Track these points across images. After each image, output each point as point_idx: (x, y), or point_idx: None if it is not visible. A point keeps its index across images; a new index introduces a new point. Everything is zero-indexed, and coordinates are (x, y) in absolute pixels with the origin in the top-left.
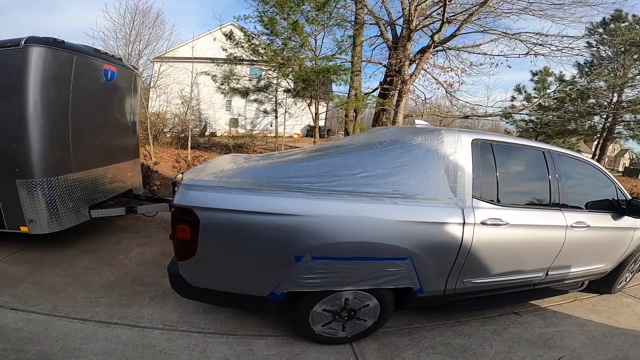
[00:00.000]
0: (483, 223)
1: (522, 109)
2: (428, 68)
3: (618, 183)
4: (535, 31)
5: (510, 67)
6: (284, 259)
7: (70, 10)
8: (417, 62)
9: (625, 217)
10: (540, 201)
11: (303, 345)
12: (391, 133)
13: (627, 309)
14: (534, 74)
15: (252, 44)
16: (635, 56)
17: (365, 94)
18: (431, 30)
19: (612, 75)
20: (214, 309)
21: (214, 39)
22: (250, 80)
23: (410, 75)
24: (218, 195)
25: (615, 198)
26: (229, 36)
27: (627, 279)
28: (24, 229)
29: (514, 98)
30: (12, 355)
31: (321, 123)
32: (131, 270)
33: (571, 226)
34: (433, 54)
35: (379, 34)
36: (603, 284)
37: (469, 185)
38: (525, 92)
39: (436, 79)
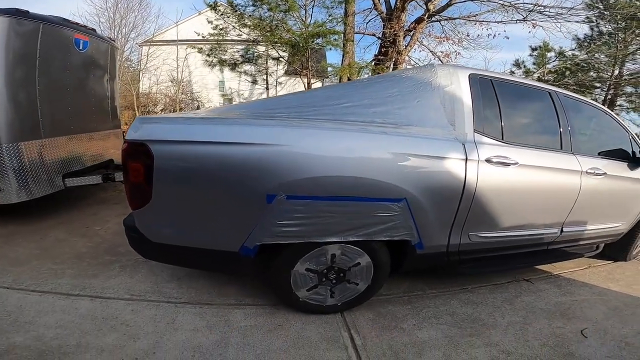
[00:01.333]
0: (488, 160)
1: None
2: (424, 39)
3: (632, 132)
4: (533, 2)
5: (508, 38)
6: (255, 200)
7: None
8: (412, 32)
9: None
10: (550, 143)
11: (287, 315)
12: (383, 74)
13: None
14: (533, 49)
15: (237, 11)
16: (638, 31)
17: (360, 67)
18: (425, 0)
19: (613, 49)
20: (191, 276)
21: (203, 16)
22: (239, 50)
23: (406, 46)
24: (175, 127)
25: (631, 147)
26: (214, 7)
27: None
28: None
29: (513, 72)
30: None
31: None
32: (105, 241)
33: (587, 172)
34: (428, 24)
35: (372, 7)
36: (617, 248)
37: (469, 118)
38: (525, 66)
39: (432, 51)
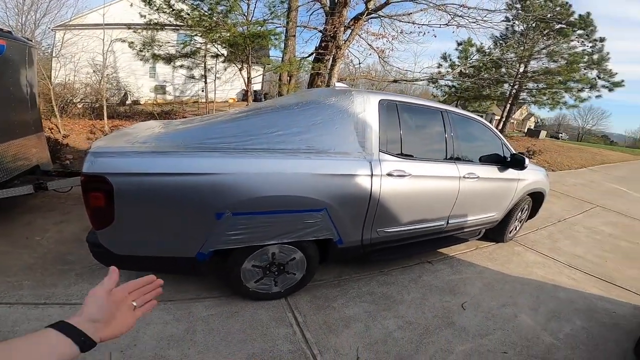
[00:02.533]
0: (389, 174)
1: (444, 75)
2: (362, 34)
3: (504, 139)
4: (459, 3)
5: (435, 37)
6: (206, 218)
7: None
8: (351, 28)
9: (510, 170)
10: (438, 155)
11: (241, 304)
12: (310, 95)
13: (517, 257)
14: (459, 44)
15: (175, 9)
16: (545, 32)
17: (301, 58)
18: None
19: (521, 48)
20: None
21: (131, 5)
22: (175, 46)
23: (345, 41)
24: (130, 160)
25: (502, 153)
26: (148, 2)
27: (517, 228)
28: None
29: (440, 65)
30: None
31: (258, 87)
32: (50, 250)
33: (464, 177)
34: (366, 21)
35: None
36: (497, 232)
37: (376, 140)
38: (450, 60)
39: (370, 45)
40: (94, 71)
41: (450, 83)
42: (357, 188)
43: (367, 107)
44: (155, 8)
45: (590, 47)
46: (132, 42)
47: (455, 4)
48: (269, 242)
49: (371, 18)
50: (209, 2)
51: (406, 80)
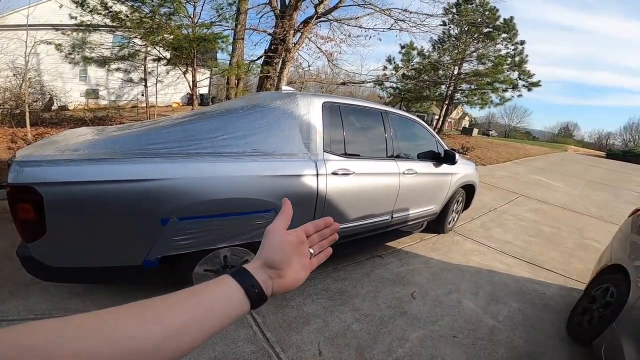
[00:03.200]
0: (334, 173)
1: (388, 77)
2: (312, 38)
3: (438, 137)
4: (402, 7)
5: (380, 40)
6: (150, 224)
7: None
8: (301, 31)
9: (444, 165)
10: (379, 153)
11: None
12: (256, 98)
13: (457, 246)
14: (402, 47)
15: (111, 11)
16: (475, 35)
17: (250, 61)
18: (317, 1)
19: (455, 51)
20: (91, 290)
21: (61, 6)
22: (110, 48)
23: (295, 44)
24: (61, 169)
25: (436, 150)
26: (81, 3)
27: (455, 219)
28: None
29: (385, 67)
30: None
31: (204, 90)
32: None
33: (403, 173)
34: (315, 25)
35: (267, 2)
36: (437, 224)
37: (320, 141)
38: (394, 62)
39: (319, 48)
40: (14, 75)
41: (394, 85)
42: (304, 188)
43: (311, 110)
44: (88, 10)
45: (513, 49)
46: (59, 45)
47: (398, 8)
48: (219, 245)
49: (320, 22)
50: (151, 3)
51: (354, 83)
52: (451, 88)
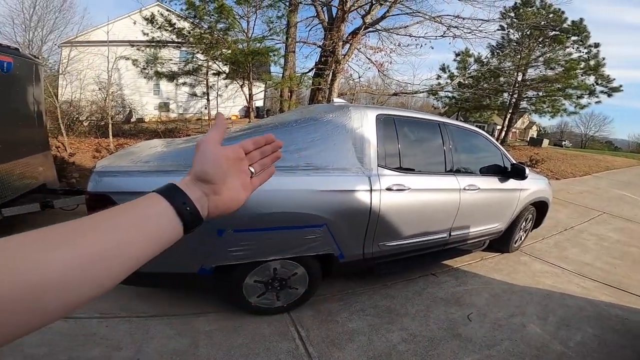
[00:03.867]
0: (388, 189)
1: (443, 86)
2: (361, 48)
3: (503, 150)
4: (454, 14)
5: (432, 48)
6: (208, 235)
7: None
8: (350, 42)
9: (511, 180)
10: (437, 167)
11: (243, 318)
12: (309, 111)
13: (524, 266)
14: (457, 55)
15: (176, 28)
16: (540, 39)
17: (302, 74)
18: (364, 11)
19: (518, 56)
20: (152, 293)
21: (134, 22)
22: (177, 63)
23: (344, 56)
24: (134, 179)
25: (502, 163)
26: (150, 20)
27: (522, 238)
28: None
29: (439, 77)
30: None
31: (260, 103)
32: None
33: (464, 189)
34: (363, 36)
35: (315, 15)
36: (501, 243)
37: (374, 155)
38: (449, 71)
39: (369, 58)
40: (99, 89)
41: (450, 94)
42: (356, 203)
43: (364, 123)
44: (157, 26)
45: (586, 53)
46: (135, 60)
47: (449, 15)
48: (270, 257)
49: (369, 32)
50: (209, 20)
51: (406, 93)
52: (515, 96)
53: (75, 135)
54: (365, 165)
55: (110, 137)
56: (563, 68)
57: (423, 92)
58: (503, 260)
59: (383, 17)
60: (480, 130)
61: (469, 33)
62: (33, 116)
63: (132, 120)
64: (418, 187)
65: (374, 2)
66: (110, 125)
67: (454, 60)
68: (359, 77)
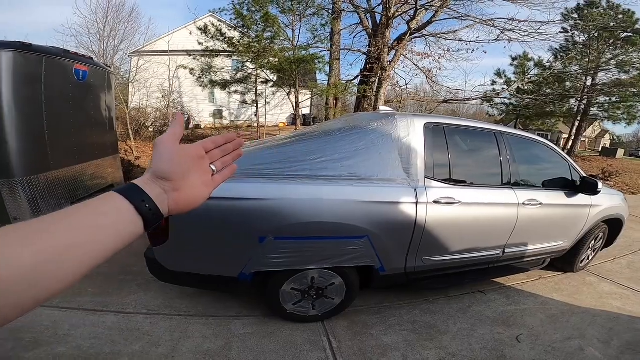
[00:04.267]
0: (436, 202)
1: (498, 93)
2: (407, 54)
3: (571, 161)
4: (508, 17)
5: (485, 52)
6: (249, 241)
7: (39, 11)
8: (395, 49)
9: (580, 195)
10: (492, 180)
11: (278, 324)
12: (353, 120)
13: (589, 287)
14: (514, 59)
15: (227, 37)
16: (611, 41)
17: (347, 81)
18: (409, 17)
19: (585, 60)
20: (197, 293)
21: (190, 33)
22: (229, 72)
23: (390, 62)
24: None
25: (570, 176)
26: (204, 30)
27: (590, 257)
28: None
29: (494, 82)
30: (10, 344)
31: (306, 111)
32: (118, 261)
33: (523, 204)
34: (409, 41)
35: (359, 22)
36: (565, 261)
37: (421, 166)
38: (505, 76)
39: (416, 65)
40: (162, 96)
41: (507, 101)
42: (401, 216)
43: (411, 131)
44: (210, 36)
45: None
46: (192, 69)
47: (503, 18)
48: (308, 266)
49: (415, 38)
50: (256, 29)
51: (457, 100)
52: (584, 102)
53: (141, 140)
54: (412, 177)
55: None
56: (639, 71)
57: (476, 99)
58: (565, 280)
59: (429, 22)
60: (544, 140)
61: (526, 36)
62: (105, 121)
63: (190, 126)
64: (469, 201)
65: (418, 8)
66: None
67: (511, 64)
68: (406, 84)
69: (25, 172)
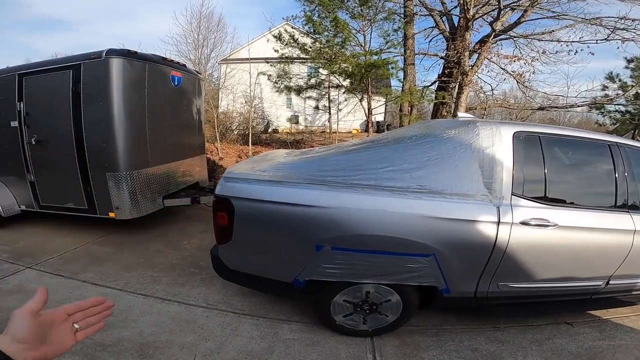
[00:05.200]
0: (524, 223)
1: (612, 98)
2: (493, 58)
3: None
4: (618, 15)
5: (593, 54)
6: (306, 248)
7: (149, 20)
8: (478, 52)
9: None
10: (602, 201)
11: (325, 334)
12: (428, 127)
13: None
14: (629, 61)
15: (299, 43)
16: None
17: (424, 87)
18: (492, 18)
19: None
20: (253, 293)
21: (267, 41)
22: (303, 78)
23: (472, 66)
24: (250, 187)
25: None
26: (279, 37)
27: None
28: (111, 214)
29: (606, 87)
30: None
31: (380, 117)
32: (191, 254)
33: None
34: (494, 44)
35: (434, 26)
36: None
37: (508, 181)
38: (620, 80)
39: (504, 69)
40: (245, 102)
41: (622, 108)
42: (477, 236)
43: (496, 141)
44: (284, 43)
45: None
46: (270, 75)
47: (612, 17)
48: (365, 280)
49: (501, 39)
50: (327, 35)
51: (557, 107)
52: None
53: (226, 142)
54: (495, 193)
55: (250, 144)
56: None
57: (582, 105)
58: None
59: (518, 23)
60: None
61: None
62: (195, 124)
63: (269, 130)
64: (569, 225)
65: (502, 8)
66: (250, 135)
67: (626, 67)
68: (492, 90)
69: (129, 167)
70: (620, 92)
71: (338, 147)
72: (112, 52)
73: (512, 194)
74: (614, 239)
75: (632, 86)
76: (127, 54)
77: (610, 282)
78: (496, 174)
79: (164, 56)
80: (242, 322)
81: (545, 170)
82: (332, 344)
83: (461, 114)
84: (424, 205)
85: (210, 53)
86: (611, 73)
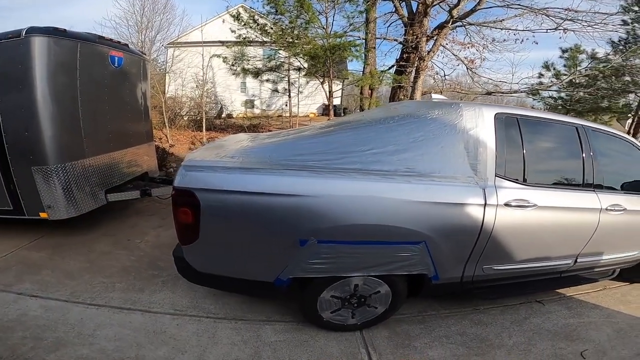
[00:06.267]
0: (507, 204)
1: (550, 86)
2: (447, 44)
3: None
4: (564, 7)
5: (537, 44)
6: (289, 243)
7: (83, 2)
8: (435, 38)
9: None
10: (573, 181)
11: (312, 332)
12: (405, 107)
13: None
14: (564, 51)
15: (259, 24)
16: None
17: (381, 71)
18: (449, 5)
19: None
20: (225, 293)
21: (223, 21)
22: (261, 60)
23: (428, 52)
24: (217, 176)
25: None
26: (237, 17)
27: None
28: (43, 215)
29: (542, 75)
30: (30, 344)
31: (337, 101)
32: (146, 254)
33: (606, 209)
34: (451, 30)
35: (393, 11)
36: (636, 271)
37: (492, 162)
38: (554, 69)
39: (456, 55)
40: (196, 86)
41: (555, 94)
42: (465, 219)
43: (479, 122)
44: (242, 23)
45: None
46: (225, 57)
47: (558, 7)
48: (353, 274)
49: (455, 27)
50: (289, 16)
51: (503, 92)
52: None
53: (176, 128)
54: (480, 175)
55: (204, 130)
56: None
57: (523, 91)
58: (633, 291)
59: (473, 10)
60: (628, 136)
61: (587, 27)
62: (140, 109)
63: (222, 115)
64: (546, 205)
65: None
66: (203, 120)
67: (560, 57)
68: (445, 75)
69: (59, 159)
70: (554, 79)
71: (309, 130)
72: (33, 31)
73: (495, 175)
74: (584, 217)
75: (565, 74)
76: (52, 32)
77: (578, 260)
78: (480, 156)
79: (101, 35)
80: (219, 328)
81: (524, 151)
82: (322, 342)
83: (435, 96)
84: (414, 189)
85: (155, 36)
86: (547, 62)
